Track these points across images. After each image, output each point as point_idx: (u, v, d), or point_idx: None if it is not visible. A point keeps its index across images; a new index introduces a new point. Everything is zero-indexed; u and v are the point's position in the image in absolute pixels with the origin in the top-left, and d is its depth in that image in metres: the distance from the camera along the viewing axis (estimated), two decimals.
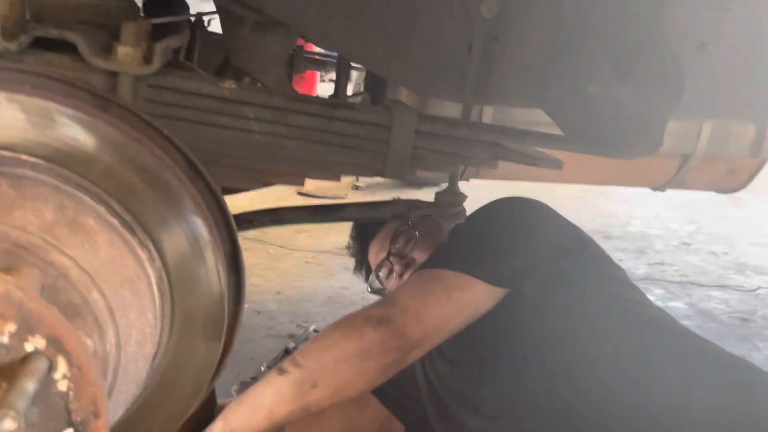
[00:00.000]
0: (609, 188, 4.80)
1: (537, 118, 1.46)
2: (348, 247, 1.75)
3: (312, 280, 2.66)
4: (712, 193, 4.98)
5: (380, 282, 1.58)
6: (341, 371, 1.11)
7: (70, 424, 0.53)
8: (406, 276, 1.50)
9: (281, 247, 3.03)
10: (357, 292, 2.54)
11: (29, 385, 0.47)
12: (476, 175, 1.56)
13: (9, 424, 0.44)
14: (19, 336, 0.49)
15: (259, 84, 1.08)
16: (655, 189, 1.74)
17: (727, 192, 1.76)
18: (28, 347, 0.50)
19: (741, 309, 2.76)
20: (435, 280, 1.19)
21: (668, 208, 4.50)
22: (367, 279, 1.66)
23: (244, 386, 1.69)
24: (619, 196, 4.69)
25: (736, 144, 1.57)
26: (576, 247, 1.25)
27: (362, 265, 1.71)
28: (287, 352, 1.99)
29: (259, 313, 2.28)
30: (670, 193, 4.92)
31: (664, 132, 1.06)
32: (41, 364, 0.49)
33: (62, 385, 0.52)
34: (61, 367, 0.51)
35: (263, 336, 2.12)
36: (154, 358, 0.74)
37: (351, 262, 2.88)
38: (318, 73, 4.86)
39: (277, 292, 2.49)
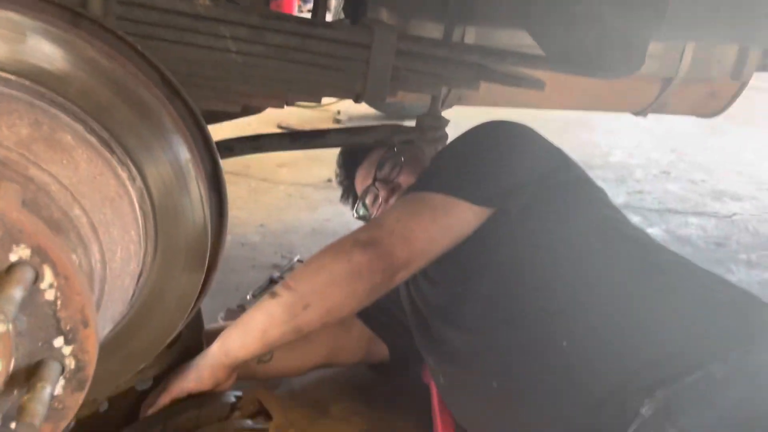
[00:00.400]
0: (591, 119, 4.81)
1: (519, 41, 1.44)
2: (336, 175, 1.75)
3: (295, 213, 2.67)
4: (693, 124, 5.03)
5: (366, 208, 1.60)
6: (331, 293, 1.13)
7: (60, 332, 0.54)
8: (392, 201, 1.51)
9: (263, 180, 3.01)
10: (341, 223, 2.56)
11: (16, 291, 0.47)
12: (459, 101, 1.55)
13: None
14: (3, 246, 0.50)
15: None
16: (636, 114, 1.74)
17: (707, 116, 1.77)
18: (12, 257, 0.50)
19: (717, 234, 2.82)
20: (421, 203, 1.20)
21: (649, 139, 4.53)
22: (353, 206, 1.67)
23: (230, 313, 1.72)
24: (601, 127, 4.70)
25: (717, 67, 1.56)
26: (560, 168, 1.26)
27: (349, 193, 1.71)
28: (272, 282, 2.01)
29: (243, 245, 2.28)
30: (652, 124, 4.96)
31: (646, 51, 1.06)
32: (27, 274, 0.50)
33: (49, 295, 0.52)
34: (47, 276, 0.52)
35: (248, 267, 2.13)
36: (140, 276, 0.75)
37: (334, 195, 2.89)
38: (296, 0, 4.74)
39: (260, 225, 2.49)
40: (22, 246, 0.50)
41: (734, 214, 3.09)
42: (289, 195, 2.86)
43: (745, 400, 0.85)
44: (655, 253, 1.16)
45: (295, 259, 2.16)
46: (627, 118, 5.09)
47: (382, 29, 0.98)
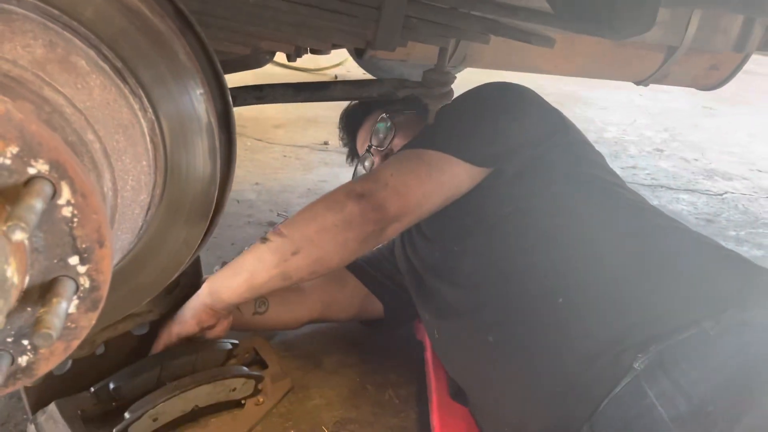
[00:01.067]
0: (587, 96, 4.80)
1: (527, 2, 1.43)
2: (339, 138, 1.76)
3: (291, 173, 2.66)
4: (689, 105, 5.02)
5: (366, 171, 1.61)
6: (322, 240, 1.14)
7: (76, 251, 0.54)
8: None
9: (259, 140, 3.00)
10: (336, 185, 2.55)
11: (37, 202, 0.47)
12: (464, 62, 1.54)
13: (20, 234, 0.45)
14: (21, 159, 0.49)
15: None
16: (638, 83, 1.74)
17: (708, 88, 1.77)
18: (31, 171, 0.50)
19: (707, 211, 2.85)
20: (417, 159, 1.20)
21: (644, 116, 4.55)
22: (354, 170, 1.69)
23: None
24: (596, 104, 4.70)
25: (722, 37, 1.56)
26: (559, 131, 1.27)
27: (354, 155, 1.73)
28: None
29: (238, 201, 2.28)
30: (648, 102, 4.95)
31: (657, 12, 1.05)
32: (45, 188, 0.50)
33: (66, 212, 0.52)
34: (65, 193, 0.51)
35: (243, 223, 2.13)
36: (149, 209, 0.74)
37: (330, 157, 2.89)
38: None
39: (256, 183, 2.49)
40: (41, 161, 0.50)
41: (725, 192, 3.13)
42: (285, 155, 2.85)
43: (737, 355, 0.87)
44: (652, 215, 1.18)
45: None
46: (621, 96, 5.08)
47: None
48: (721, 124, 4.55)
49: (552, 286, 1.05)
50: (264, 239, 1.18)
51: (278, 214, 2.21)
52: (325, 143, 3.02)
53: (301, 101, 1.32)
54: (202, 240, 0.85)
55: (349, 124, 1.72)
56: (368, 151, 1.58)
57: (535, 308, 1.05)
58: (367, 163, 1.60)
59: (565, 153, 1.23)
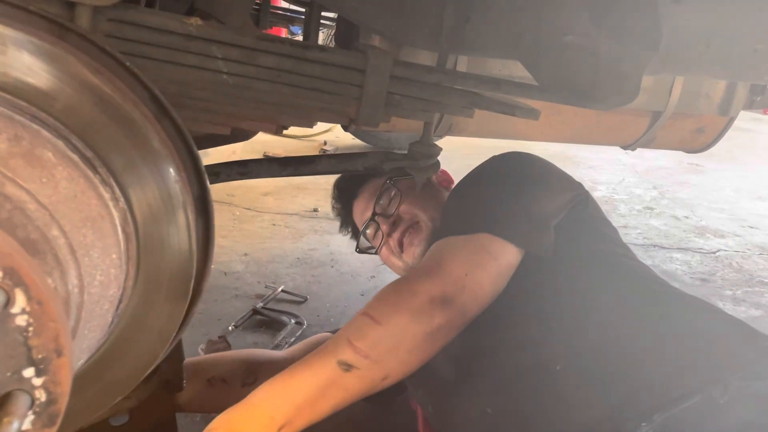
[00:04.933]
0: (575, 155, 4.86)
1: (510, 72, 1.44)
2: (332, 208, 1.73)
3: (280, 242, 2.63)
4: (674, 162, 5.08)
5: (367, 239, 1.58)
6: (411, 359, 1.08)
7: (31, 362, 0.49)
8: (396, 235, 1.48)
9: (248, 209, 2.97)
10: (326, 253, 2.53)
11: None
12: (449, 131, 1.54)
13: None
14: None
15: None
16: (625, 148, 1.74)
17: (694, 152, 1.77)
18: None
19: (701, 270, 2.83)
20: (480, 250, 1.16)
21: (633, 175, 4.59)
22: (353, 236, 1.66)
23: (211, 345, 1.67)
24: (586, 162, 4.75)
25: (706, 102, 1.57)
26: (580, 204, 1.27)
27: (348, 225, 1.70)
28: (255, 312, 1.96)
29: (226, 274, 2.24)
30: (634, 161, 5.02)
31: (640, 83, 1.05)
32: None
33: (21, 321, 0.48)
34: (20, 301, 0.48)
35: (230, 297, 2.08)
36: (120, 302, 0.71)
37: (319, 225, 2.87)
38: (284, 31, 4.80)
39: (244, 254, 2.45)
40: None
41: (718, 250, 3.11)
42: (274, 224, 2.82)
43: (749, 425, 0.83)
44: (657, 285, 1.16)
45: (279, 289, 2.11)
46: (609, 155, 5.15)
47: (377, 54, 0.97)
48: (707, 181, 4.60)
49: (550, 354, 1.02)
50: (345, 366, 1.05)
51: (266, 286, 2.16)
52: (315, 210, 3.00)
53: (287, 176, 1.30)
54: (178, 331, 0.81)
55: (343, 196, 1.69)
56: (372, 219, 1.54)
57: (533, 377, 1.02)
58: (369, 231, 1.57)
59: (581, 228, 1.23)
